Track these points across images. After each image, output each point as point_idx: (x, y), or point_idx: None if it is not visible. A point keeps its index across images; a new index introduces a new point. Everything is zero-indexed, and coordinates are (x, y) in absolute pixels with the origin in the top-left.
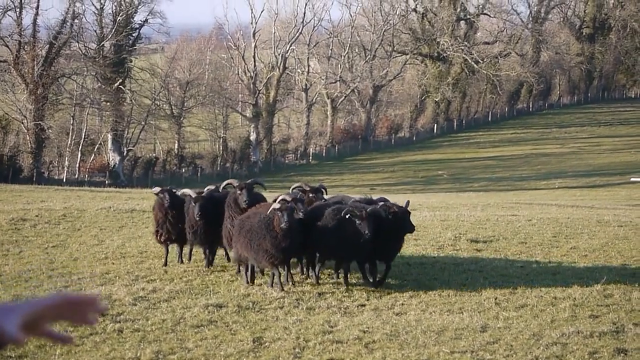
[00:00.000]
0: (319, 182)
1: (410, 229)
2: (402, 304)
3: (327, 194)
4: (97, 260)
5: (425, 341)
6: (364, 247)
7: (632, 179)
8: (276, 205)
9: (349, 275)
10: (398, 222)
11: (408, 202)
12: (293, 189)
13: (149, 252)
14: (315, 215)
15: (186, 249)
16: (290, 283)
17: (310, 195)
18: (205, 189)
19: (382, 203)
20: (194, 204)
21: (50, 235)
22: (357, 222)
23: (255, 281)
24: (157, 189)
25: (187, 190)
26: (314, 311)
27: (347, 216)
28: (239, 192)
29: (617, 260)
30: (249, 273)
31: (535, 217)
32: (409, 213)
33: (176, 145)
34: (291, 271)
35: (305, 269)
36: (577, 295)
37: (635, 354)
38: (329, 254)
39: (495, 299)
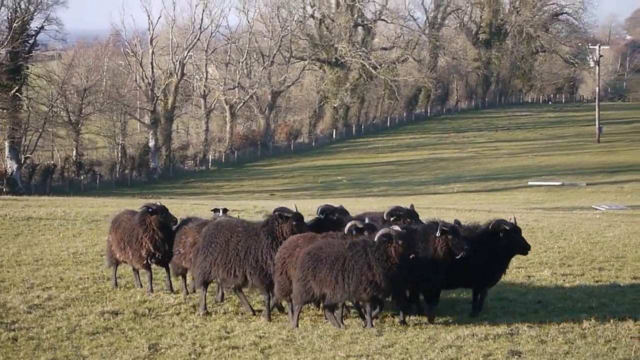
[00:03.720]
0: (219, 188)
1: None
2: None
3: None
4: None
5: (321, 346)
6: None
7: (530, 183)
8: (391, 232)
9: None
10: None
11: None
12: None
13: (44, 260)
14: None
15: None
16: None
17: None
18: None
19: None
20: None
21: None
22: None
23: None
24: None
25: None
26: (211, 317)
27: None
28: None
29: (513, 262)
30: (296, 314)
31: None
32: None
33: (74, 152)
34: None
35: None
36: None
37: (529, 356)
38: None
39: (392, 303)
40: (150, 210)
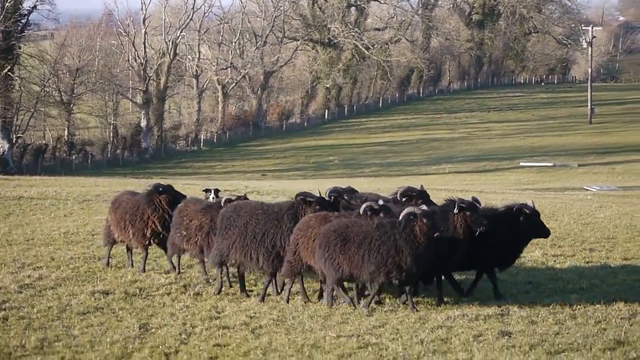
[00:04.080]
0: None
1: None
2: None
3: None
4: None
5: (311, 326)
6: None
7: (522, 164)
8: (416, 210)
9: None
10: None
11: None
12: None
13: (35, 240)
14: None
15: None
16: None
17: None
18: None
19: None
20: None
21: None
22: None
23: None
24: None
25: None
26: (201, 297)
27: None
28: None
29: None
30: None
31: None
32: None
33: (66, 132)
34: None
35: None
36: (462, 278)
37: (519, 336)
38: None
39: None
40: (160, 189)
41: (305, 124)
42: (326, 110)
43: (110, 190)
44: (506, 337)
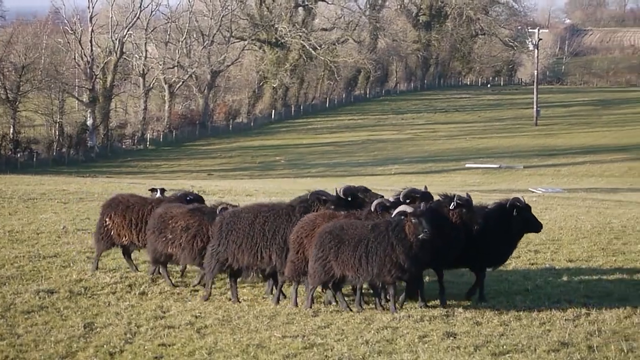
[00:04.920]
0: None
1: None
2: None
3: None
4: None
5: (257, 326)
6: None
7: (467, 165)
8: (408, 209)
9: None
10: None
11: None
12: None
13: None
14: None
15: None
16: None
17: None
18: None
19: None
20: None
21: None
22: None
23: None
24: None
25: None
26: (147, 296)
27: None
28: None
29: None
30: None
31: None
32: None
33: (11, 130)
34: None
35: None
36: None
37: (464, 337)
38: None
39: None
40: (188, 198)
41: (252, 124)
42: (273, 110)
43: (56, 189)
44: (451, 338)
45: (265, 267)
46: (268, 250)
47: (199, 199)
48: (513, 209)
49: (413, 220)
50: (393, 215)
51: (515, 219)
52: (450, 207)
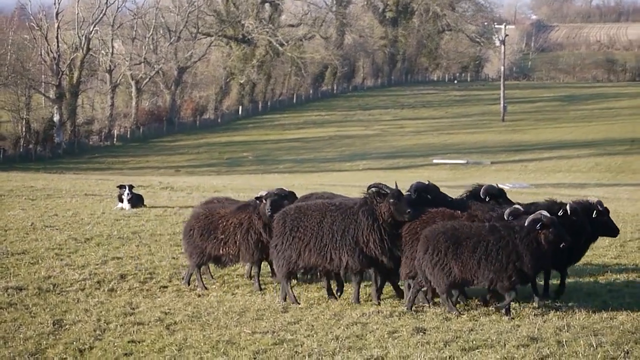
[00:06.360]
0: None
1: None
2: (205, 286)
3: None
4: None
5: (226, 322)
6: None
7: (435, 161)
8: (542, 217)
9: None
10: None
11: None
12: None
13: None
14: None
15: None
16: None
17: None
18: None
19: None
20: None
21: None
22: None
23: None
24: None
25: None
26: (116, 293)
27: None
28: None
29: None
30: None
31: None
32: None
33: None
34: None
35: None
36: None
37: (434, 333)
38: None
39: (297, 281)
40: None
41: (219, 120)
42: (240, 106)
43: (23, 186)
44: (421, 334)
45: (335, 268)
46: (338, 251)
47: (292, 195)
48: (593, 212)
49: (551, 230)
50: (526, 223)
51: (596, 222)
52: (560, 214)
